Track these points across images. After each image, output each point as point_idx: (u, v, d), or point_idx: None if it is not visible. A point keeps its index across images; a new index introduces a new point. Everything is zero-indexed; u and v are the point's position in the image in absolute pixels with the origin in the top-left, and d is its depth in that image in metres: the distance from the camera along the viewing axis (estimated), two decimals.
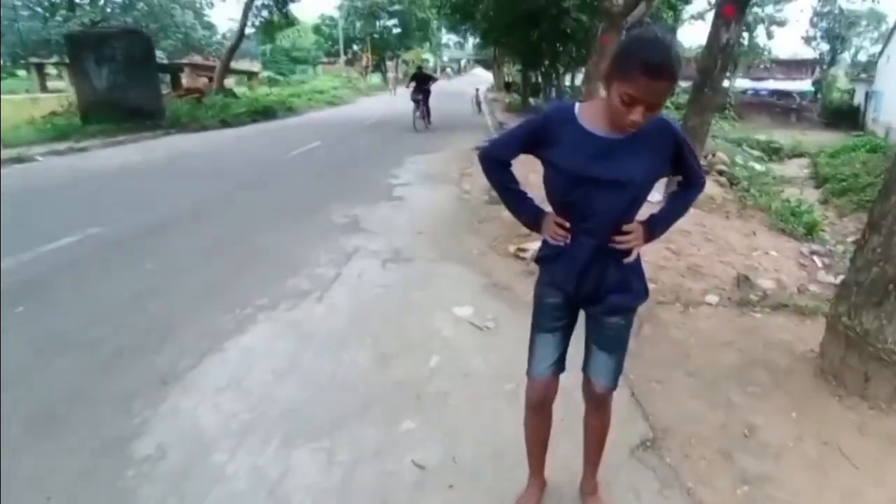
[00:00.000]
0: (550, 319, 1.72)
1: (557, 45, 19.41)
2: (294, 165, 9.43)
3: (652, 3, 12.84)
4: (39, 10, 26.49)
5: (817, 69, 43.63)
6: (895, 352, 2.51)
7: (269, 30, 26.81)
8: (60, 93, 16.68)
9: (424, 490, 2.07)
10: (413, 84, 15.02)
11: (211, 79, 21.70)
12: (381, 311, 3.66)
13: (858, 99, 31.06)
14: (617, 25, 10.57)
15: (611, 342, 1.71)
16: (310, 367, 2.94)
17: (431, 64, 58.62)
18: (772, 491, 2.06)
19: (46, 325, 3.37)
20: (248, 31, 23.69)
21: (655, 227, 1.66)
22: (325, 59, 48.48)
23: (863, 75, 32.17)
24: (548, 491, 1.99)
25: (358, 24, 46.62)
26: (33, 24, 25.79)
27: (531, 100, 23.46)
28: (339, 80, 35.10)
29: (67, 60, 15.09)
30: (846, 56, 47.94)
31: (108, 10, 27.74)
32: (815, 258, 5.07)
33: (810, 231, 6.39)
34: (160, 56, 22.91)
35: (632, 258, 1.62)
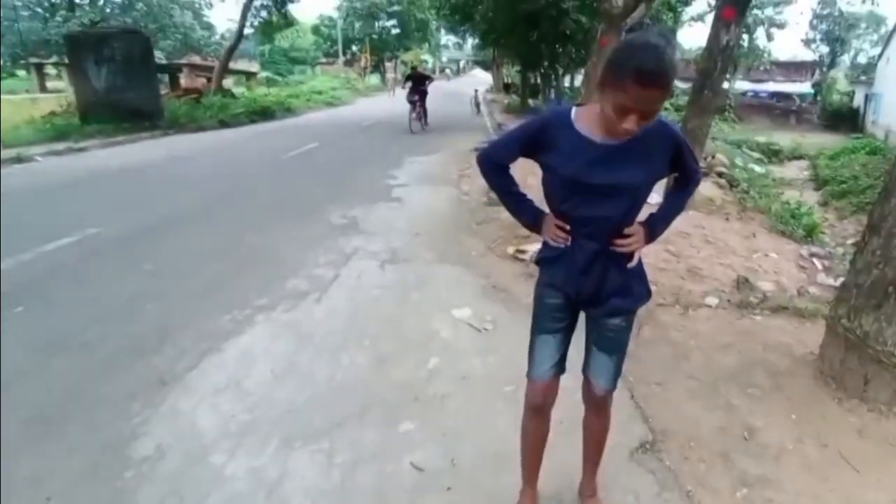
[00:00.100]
0: (551, 321, 1.71)
1: (557, 46, 19.44)
2: (292, 166, 9.42)
3: (651, 5, 12.82)
4: (39, 10, 26.52)
5: (817, 71, 43.63)
6: (895, 354, 2.51)
7: (267, 30, 26.88)
8: (60, 93, 16.63)
9: (423, 492, 2.07)
10: (409, 85, 14.30)
11: (209, 79, 21.69)
12: (379, 313, 3.66)
13: (858, 101, 31.07)
14: (616, 27, 10.55)
15: (611, 343, 1.70)
16: (308, 369, 2.94)
17: (430, 65, 58.59)
18: (771, 494, 2.06)
19: (46, 326, 3.36)
20: (247, 31, 23.72)
21: (656, 227, 1.66)
22: (323, 60, 48.49)
23: (862, 77, 32.18)
24: (546, 494, 1.99)
25: (357, 25, 46.58)
26: (33, 25, 25.85)
27: (530, 101, 23.48)
28: (337, 81, 35.03)
29: (67, 61, 15.10)
30: (846, 58, 48.10)
31: (108, 10, 27.76)
32: (815, 260, 5.06)
33: (810, 233, 6.38)
34: (159, 56, 22.91)
35: (634, 262, 1.61)
